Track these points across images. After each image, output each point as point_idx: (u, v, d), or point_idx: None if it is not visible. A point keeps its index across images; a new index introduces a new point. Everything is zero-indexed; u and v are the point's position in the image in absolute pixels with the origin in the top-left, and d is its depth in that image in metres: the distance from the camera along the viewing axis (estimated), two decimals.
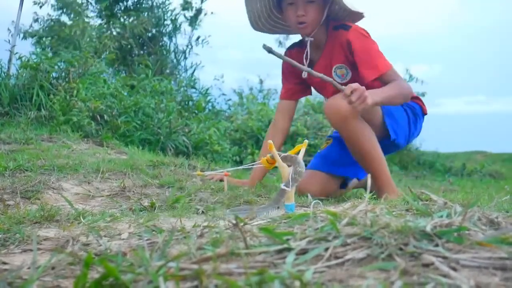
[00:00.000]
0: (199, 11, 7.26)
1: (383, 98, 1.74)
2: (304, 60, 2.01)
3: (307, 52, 2.00)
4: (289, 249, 0.66)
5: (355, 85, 1.64)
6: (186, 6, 7.16)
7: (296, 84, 2.17)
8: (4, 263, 0.80)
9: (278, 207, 1.38)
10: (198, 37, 7.34)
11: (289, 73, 2.17)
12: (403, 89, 1.85)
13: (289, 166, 1.41)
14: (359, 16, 1.99)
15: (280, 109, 2.21)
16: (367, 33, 1.94)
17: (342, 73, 2.00)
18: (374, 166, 1.84)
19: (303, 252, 0.65)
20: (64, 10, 6.20)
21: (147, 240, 0.92)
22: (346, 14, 1.97)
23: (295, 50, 2.15)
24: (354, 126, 1.79)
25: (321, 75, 1.74)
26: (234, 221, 0.75)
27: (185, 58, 7.25)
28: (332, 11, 1.97)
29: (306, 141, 1.57)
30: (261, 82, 9.16)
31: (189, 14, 7.24)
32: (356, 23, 1.98)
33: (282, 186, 1.38)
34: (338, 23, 1.97)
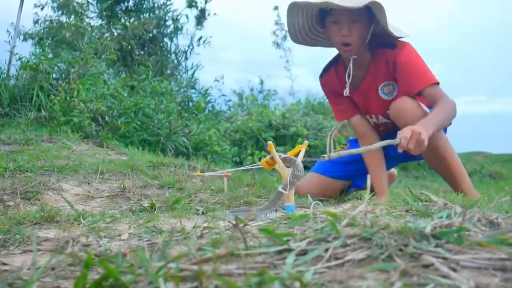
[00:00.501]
0: (203, 11, 7.27)
1: (435, 127, 1.67)
2: (347, 79, 1.95)
3: (349, 70, 1.93)
4: (289, 250, 0.66)
5: (407, 132, 1.54)
6: (192, 3, 7.17)
7: (348, 100, 2.07)
8: (4, 264, 0.80)
9: (276, 210, 1.38)
10: (200, 38, 7.35)
11: (336, 94, 2.09)
12: (450, 109, 1.77)
13: (288, 167, 1.41)
14: (404, 34, 1.92)
15: (357, 124, 2.09)
16: (413, 48, 1.88)
17: (389, 91, 1.95)
18: (456, 178, 1.90)
19: (303, 253, 0.65)
20: (65, 11, 6.21)
21: (147, 241, 0.92)
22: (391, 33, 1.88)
23: (332, 70, 2.08)
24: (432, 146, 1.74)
25: (369, 147, 1.67)
26: (234, 222, 0.75)
27: (186, 58, 7.26)
28: (377, 30, 1.90)
29: (306, 142, 1.57)
30: (261, 82, 9.18)
31: (194, 13, 7.26)
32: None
33: (280, 188, 1.38)
34: (383, 40, 1.90)
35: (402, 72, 1.84)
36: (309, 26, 1.98)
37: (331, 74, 2.08)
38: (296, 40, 2.04)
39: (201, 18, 7.28)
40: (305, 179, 2.13)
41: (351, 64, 1.92)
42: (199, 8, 7.27)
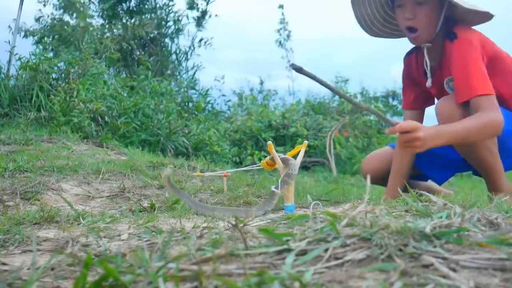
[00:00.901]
0: (204, 13, 7.28)
1: (448, 140, 1.52)
2: (426, 69, 1.80)
3: (425, 60, 1.79)
4: (288, 250, 0.66)
5: (409, 126, 1.43)
6: (192, 5, 7.18)
7: (419, 92, 1.95)
8: (4, 264, 0.80)
9: (265, 212, 1.37)
10: (201, 39, 7.36)
11: (411, 80, 1.95)
12: (482, 125, 1.55)
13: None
14: (486, 16, 1.69)
15: (406, 119, 1.92)
16: (476, 44, 1.64)
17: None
18: (495, 178, 1.74)
19: (303, 253, 0.65)
20: (67, 10, 6.21)
21: (146, 241, 0.91)
22: (470, 15, 1.69)
23: (414, 55, 1.92)
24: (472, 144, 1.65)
25: (366, 106, 1.53)
26: (233, 222, 0.75)
27: (187, 59, 7.27)
28: (454, 12, 1.69)
29: (306, 142, 1.57)
30: (261, 83, 9.18)
31: (195, 14, 7.27)
32: (473, 28, 1.73)
33: (273, 188, 1.38)
34: (450, 27, 1.71)
35: (453, 73, 1.67)
36: (383, 15, 1.83)
37: (411, 58, 1.93)
38: (371, 32, 1.90)
39: (200, 19, 7.28)
40: (376, 154, 2.03)
41: (425, 54, 1.76)
42: (200, 10, 7.28)
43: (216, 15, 7.43)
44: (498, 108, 1.59)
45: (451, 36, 1.68)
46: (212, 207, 1.42)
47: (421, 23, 1.67)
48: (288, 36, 9.52)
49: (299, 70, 1.47)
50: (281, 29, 9.57)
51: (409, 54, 1.96)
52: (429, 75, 1.80)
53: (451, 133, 1.52)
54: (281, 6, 9.51)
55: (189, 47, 7.31)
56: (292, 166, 1.36)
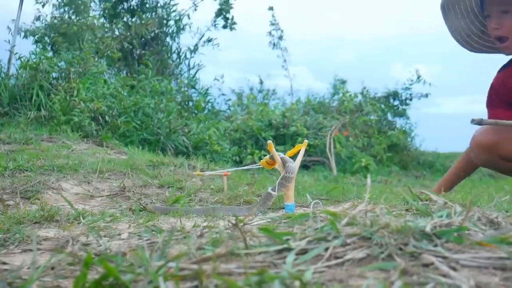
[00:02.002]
0: (231, 20, 7.34)
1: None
2: None
3: None
4: (289, 249, 0.66)
5: None
6: (221, 12, 7.24)
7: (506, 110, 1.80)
8: (4, 263, 0.80)
9: (258, 213, 1.37)
10: (209, 39, 7.37)
11: (499, 97, 1.80)
12: None
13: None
14: None
15: None
16: None
17: None
18: None
19: (303, 252, 0.65)
20: (68, 8, 6.20)
21: (147, 240, 0.91)
22: None
23: (508, 70, 1.79)
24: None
25: (494, 121, 1.53)
26: (234, 222, 0.75)
27: (192, 57, 7.28)
28: None
29: (306, 141, 1.57)
30: (261, 82, 9.17)
31: (221, 23, 7.33)
32: None
33: (270, 189, 1.38)
34: None
35: None
36: (477, 27, 1.75)
37: (506, 73, 1.78)
38: (471, 48, 1.82)
39: (231, 26, 7.36)
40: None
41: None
42: (228, 17, 7.34)
43: (235, 23, 7.47)
44: None
45: None
46: (208, 208, 1.42)
47: (509, 31, 1.62)
48: (281, 36, 9.50)
49: (479, 123, 1.53)
50: (273, 30, 9.57)
51: (502, 69, 1.81)
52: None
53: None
54: (271, 8, 9.51)
55: (195, 46, 7.31)
56: (290, 169, 1.35)
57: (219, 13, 7.34)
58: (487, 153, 1.75)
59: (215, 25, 7.37)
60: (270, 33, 9.47)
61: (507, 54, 1.72)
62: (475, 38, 1.77)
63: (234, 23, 7.39)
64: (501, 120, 1.51)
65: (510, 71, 1.77)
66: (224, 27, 7.38)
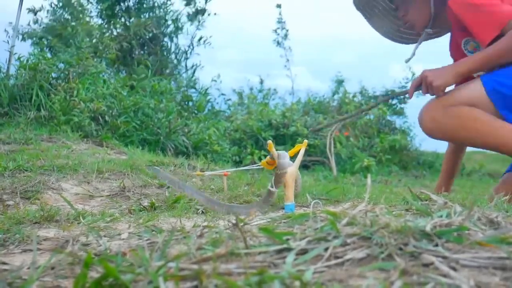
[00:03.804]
0: (202, 11, 7.28)
1: (469, 68, 1.53)
2: (415, 51, 1.90)
3: (417, 45, 1.89)
4: (288, 249, 0.66)
5: (417, 79, 1.62)
6: (190, 2, 7.19)
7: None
8: (4, 263, 0.80)
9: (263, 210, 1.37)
10: (201, 38, 7.36)
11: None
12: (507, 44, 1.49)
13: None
14: None
15: None
16: None
17: (474, 48, 1.77)
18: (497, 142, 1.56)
19: (303, 252, 0.65)
20: (65, 10, 6.20)
21: (146, 240, 0.91)
22: None
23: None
24: (450, 126, 1.59)
25: (374, 103, 1.72)
26: (234, 221, 0.75)
27: (187, 58, 7.27)
28: None
29: (306, 141, 1.57)
30: (261, 82, 9.18)
31: (190, 10, 7.27)
32: None
33: (269, 187, 1.38)
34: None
35: (468, 22, 1.60)
36: (399, 24, 1.94)
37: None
38: (407, 41, 2.00)
39: (196, 15, 7.29)
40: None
41: (422, 37, 1.86)
42: (197, 7, 7.28)
43: (215, 14, 7.42)
44: None
45: (445, 3, 1.69)
46: (217, 202, 1.42)
47: (413, 15, 1.81)
48: (286, 35, 9.50)
49: (317, 130, 1.72)
50: (278, 28, 9.56)
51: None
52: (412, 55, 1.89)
53: (470, 60, 1.55)
54: (278, 6, 9.49)
55: (189, 46, 7.30)
56: (280, 165, 1.35)
57: (197, 11, 7.31)
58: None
59: (191, 19, 7.33)
60: (275, 31, 9.47)
61: (419, 32, 1.88)
62: (406, 31, 1.95)
63: (202, 13, 7.30)
64: (333, 121, 1.75)
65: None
66: (191, 19, 7.33)
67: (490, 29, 1.53)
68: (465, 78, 1.65)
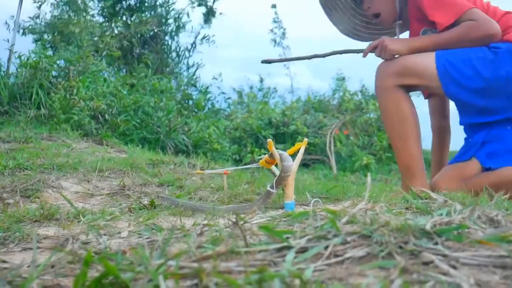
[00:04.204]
0: (211, 10, 7.28)
1: (421, 45, 1.64)
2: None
3: (397, 36, 1.92)
4: (288, 248, 0.66)
5: (375, 42, 1.68)
6: (202, 2, 7.19)
7: None
8: (4, 261, 0.80)
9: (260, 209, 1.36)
10: (204, 36, 7.35)
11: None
12: (469, 31, 1.61)
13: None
14: None
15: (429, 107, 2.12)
16: None
17: None
18: (397, 145, 1.75)
19: (303, 250, 0.65)
20: (67, 7, 6.18)
21: (146, 238, 0.91)
22: None
23: None
24: (386, 99, 1.72)
25: (331, 52, 1.81)
26: (234, 219, 0.75)
27: (190, 56, 7.27)
28: None
29: (306, 139, 1.56)
30: (261, 80, 9.17)
31: (202, 11, 7.27)
32: None
33: (268, 187, 1.38)
34: None
35: (428, 8, 1.70)
36: (360, 19, 2.01)
37: None
38: (362, 39, 2.07)
39: (209, 15, 7.28)
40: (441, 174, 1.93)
41: (397, 29, 1.90)
42: (208, 7, 7.28)
43: (221, 13, 7.42)
44: (489, 18, 1.62)
45: None
46: (209, 206, 1.42)
47: (380, 6, 1.85)
48: (284, 34, 9.48)
49: (269, 62, 1.89)
50: (275, 28, 9.54)
51: None
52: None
53: (425, 38, 1.67)
54: (273, 6, 9.49)
55: (192, 44, 7.29)
56: (285, 168, 1.35)
57: (208, 10, 7.31)
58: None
59: (205, 21, 7.34)
60: (272, 30, 9.46)
61: (384, 26, 1.95)
62: (362, 29, 2.02)
63: (211, 16, 7.31)
64: (286, 58, 1.83)
65: None
66: (206, 21, 7.34)
67: (448, 15, 1.64)
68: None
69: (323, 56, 1.85)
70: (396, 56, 1.71)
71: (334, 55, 1.84)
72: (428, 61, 1.67)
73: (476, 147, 1.76)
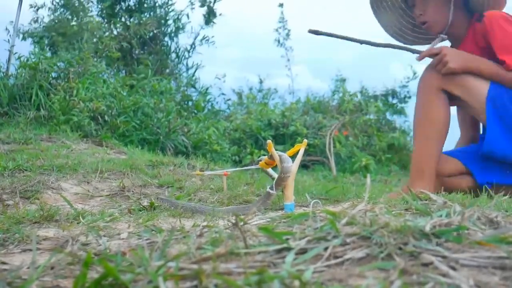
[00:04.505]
0: (211, 11, 7.28)
1: (480, 71, 1.65)
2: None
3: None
4: (288, 249, 0.66)
5: (435, 48, 1.65)
6: (204, 3, 7.19)
7: None
8: (4, 263, 0.80)
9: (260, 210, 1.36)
10: (204, 37, 7.34)
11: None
12: (504, 75, 1.66)
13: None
14: (501, 2, 1.80)
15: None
16: (504, 16, 1.72)
17: None
18: (418, 142, 1.77)
19: (303, 251, 0.65)
20: (65, 10, 6.18)
21: (146, 239, 0.91)
22: (485, 2, 1.78)
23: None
24: (426, 97, 1.73)
25: (387, 43, 1.78)
26: (233, 221, 0.75)
27: (189, 56, 7.26)
28: (472, 2, 1.81)
29: (306, 140, 1.56)
30: (260, 81, 9.17)
31: (203, 11, 7.27)
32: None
33: (268, 189, 1.38)
34: (476, 14, 1.81)
35: (497, 44, 1.70)
36: (408, 21, 1.99)
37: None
38: (405, 41, 2.04)
39: (210, 16, 7.28)
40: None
41: (435, 42, 1.86)
42: (209, 8, 7.28)
43: (220, 14, 7.42)
44: None
45: (479, 19, 1.76)
46: (209, 207, 1.42)
47: (430, 16, 1.83)
48: (288, 34, 9.47)
49: (315, 32, 1.77)
50: (280, 28, 9.53)
51: None
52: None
53: (483, 61, 1.67)
54: (281, 5, 9.47)
55: (191, 45, 7.29)
56: (285, 170, 1.35)
57: (209, 11, 7.31)
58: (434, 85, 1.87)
59: (206, 22, 7.34)
60: (277, 30, 9.45)
61: (431, 32, 1.92)
62: (407, 31, 2.00)
63: (213, 17, 7.32)
64: (335, 34, 1.78)
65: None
66: (206, 23, 7.34)
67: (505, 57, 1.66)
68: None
69: (376, 45, 1.79)
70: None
71: (387, 47, 1.79)
72: (482, 83, 1.70)
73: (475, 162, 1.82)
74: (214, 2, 7.30)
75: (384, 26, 2.01)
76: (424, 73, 1.78)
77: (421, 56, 1.75)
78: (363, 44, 1.80)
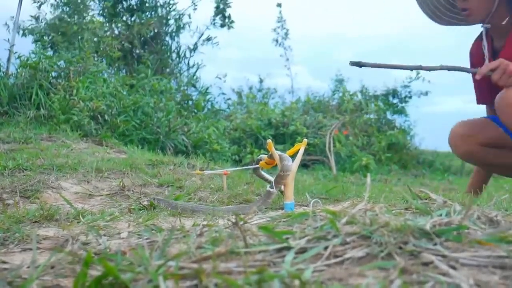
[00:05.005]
0: (229, 17, 7.31)
1: None
2: (485, 51, 1.82)
3: (484, 43, 1.84)
4: (288, 248, 0.66)
5: (494, 63, 1.57)
6: (222, 11, 7.22)
7: (483, 83, 1.92)
8: (4, 262, 0.80)
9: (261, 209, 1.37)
10: (208, 38, 7.34)
11: (474, 67, 1.93)
12: None
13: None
14: None
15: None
16: None
17: None
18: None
19: (303, 251, 0.65)
20: (67, 8, 6.17)
21: (146, 239, 0.91)
22: None
23: (476, 43, 1.98)
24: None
25: (439, 66, 1.66)
26: (233, 220, 0.75)
27: (191, 56, 7.26)
28: None
29: (305, 140, 1.56)
30: (260, 81, 9.17)
31: (219, 21, 7.31)
32: None
33: (268, 188, 1.38)
34: None
35: None
36: (446, 1, 1.93)
37: (474, 47, 1.98)
38: (440, 21, 1.98)
39: (226, 19, 7.31)
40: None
41: (484, 35, 1.82)
42: (225, 14, 7.30)
43: (232, 21, 7.43)
44: None
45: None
46: (208, 207, 1.42)
47: (473, 3, 1.78)
48: (286, 34, 9.48)
49: (359, 64, 1.66)
50: (278, 27, 9.54)
51: (474, 41, 2.00)
52: (486, 56, 1.81)
53: None
54: (279, 5, 9.48)
55: (194, 45, 7.28)
56: (285, 167, 1.35)
57: (217, 12, 7.33)
58: (466, 143, 1.90)
59: (214, 23, 7.35)
60: (275, 30, 9.45)
61: (469, 21, 1.88)
62: (443, 10, 1.94)
63: (232, 21, 7.37)
64: (382, 63, 1.69)
65: (472, 49, 2.00)
66: (222, 26, 7.36)
67: None
68: None
69: (428, 69, 1.71)
70: None
71: (441, 70, 1.68)
72: None
73: None
74: (227, 7, 7.33)
75: (419, 2, 1.95)
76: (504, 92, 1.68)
77: (481, 73, 1.66)
78: (413, 70, 1.77)
